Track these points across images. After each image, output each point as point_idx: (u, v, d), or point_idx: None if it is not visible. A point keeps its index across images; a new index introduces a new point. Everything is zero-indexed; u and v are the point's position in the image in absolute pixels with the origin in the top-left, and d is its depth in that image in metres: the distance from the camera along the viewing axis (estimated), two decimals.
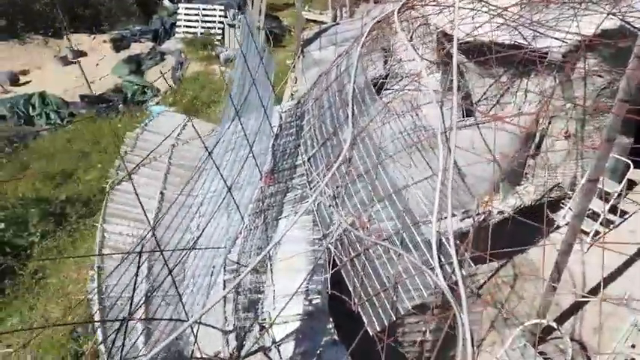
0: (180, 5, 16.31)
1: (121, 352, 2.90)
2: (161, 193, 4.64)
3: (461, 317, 3.32)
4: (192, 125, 5.04)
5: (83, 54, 15.39)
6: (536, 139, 5.30)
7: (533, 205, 5.26)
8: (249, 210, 4.58)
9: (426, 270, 3.54)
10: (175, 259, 4.14)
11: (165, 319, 3.47)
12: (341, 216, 4.04)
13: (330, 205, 4.21)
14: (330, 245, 4.08)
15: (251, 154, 4.44)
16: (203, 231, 4.08)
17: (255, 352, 4.73)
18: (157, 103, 12.93)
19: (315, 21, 15.72)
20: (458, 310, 3.33)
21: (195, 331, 3.72)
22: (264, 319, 4.54)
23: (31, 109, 12.15)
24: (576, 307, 4.46)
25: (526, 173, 5.60)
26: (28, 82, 14.12)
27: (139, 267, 3.09)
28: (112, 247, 4.11)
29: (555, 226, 5.15)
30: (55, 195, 9.03)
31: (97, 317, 3.67)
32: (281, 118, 5.57)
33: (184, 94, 12.90)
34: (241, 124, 4.25)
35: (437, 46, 6.95)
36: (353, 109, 4.57)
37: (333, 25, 8.79)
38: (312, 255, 4.08)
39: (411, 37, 7.59)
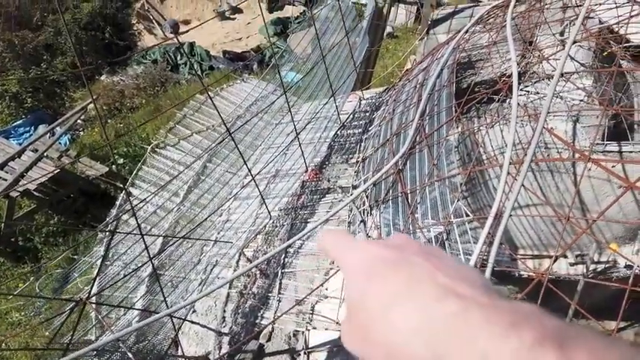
0: None
1: (72, 333, 2.63)
2: (205, 165, 4.33)
3: None
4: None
5: (240, 11, 16.05)
6: None
7: None
8: (281, 204, 4.02)
9: None
10: (192, 242, 3.80)
11: (136, 309, 3.16)
12: (366, 234, 3.27)
13: (361, 221, 3.44)
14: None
15: (298, 141, 3.83)
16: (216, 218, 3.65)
17: (283, 352, 4.31)
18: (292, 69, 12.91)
19: None
20: None
21: (176, 326, 3.35)
22: (305, 320, 4.07)
23: (179, 57, 13.07)
24: None
25: None
26: (186, 32, 15.24)
27: (108, 247, 2.78)
28: (130, 213, 3.94)
29: None
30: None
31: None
32: (359, 104, 4.82)
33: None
34: (286, 104, 3.64)
35: (596, 46, 5.47)
36: (425, 109, 3.63)
37: (473, 6, 7.52)
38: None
39: (562, 32, 6.13)
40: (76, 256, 5.81)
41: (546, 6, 5.50)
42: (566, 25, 5.99)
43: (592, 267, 4.09)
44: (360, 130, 4.45)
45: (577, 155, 3.68)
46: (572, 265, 4.12)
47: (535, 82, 5.84)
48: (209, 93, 4.42)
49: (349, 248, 0.56)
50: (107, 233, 3.58)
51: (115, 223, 3.72)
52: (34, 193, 7.82)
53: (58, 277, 6.80)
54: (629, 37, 4.34)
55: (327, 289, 3.50)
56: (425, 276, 0.46)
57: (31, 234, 8.04)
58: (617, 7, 4.67)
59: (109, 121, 10.71)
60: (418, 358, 0.42)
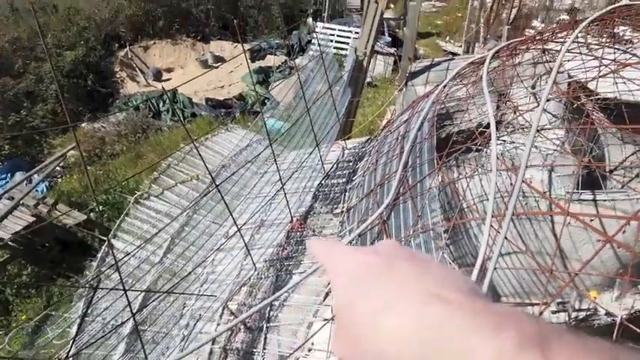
0: (318, 24, 16.55)
1: None
2: (189, 216, 4.31)
3: None
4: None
5: (222, 60, 16.41)
6: None
7: None
8: (266, 255, 4.00)
9: None
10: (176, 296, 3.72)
11: None
12: None
13: None
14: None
15: (284, 191, 3.87)
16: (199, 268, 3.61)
17: None
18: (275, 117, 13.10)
19: (452, 52, 14.80)
20: None
21: None
22: None
23: (161, 104, 13.17)
24: None
25: None
26: (169, 80, 15.45)
27: (89, 304, 2.70)
28: (110, 264, 3.86)
29: None
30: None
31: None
32: (342, 154, 4.92)
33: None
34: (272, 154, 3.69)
35: (566, 97, 5.75)
36: (407, 160, 3.73)
37: (449, 60, 7.87)
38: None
39: (534, 85, 6.43)
40: (53, 312, 5.60)
41: (518, 61, 5.78)
42: (537, 79, 6.30)
43: (574, 314, 4.12)
44: (344, 179, 4.53)
45: (555, 208, 3.78)
46: (554, 313, 4.16)
47: (511, 132, 6.06)
48: (195, 143, 4.46)
49: (338, 255, 0.56)
50: (88, 288, 3.49)
51: (96, 276, 3.63)
52: (9, 242, 7.59)
53: (30, 331, 6.52)
54: (596, 89, 4.57)
55: (312, 344, 3.44)
56: (412, 282, 0.47)
57: (2, 285, 7.73)
58: (584, 63, 4.94)
59: (88, 167, 10.60)
60: None
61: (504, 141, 5.72)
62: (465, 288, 0.46)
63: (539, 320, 0.41)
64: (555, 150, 4.87)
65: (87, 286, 3.62)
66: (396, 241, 0.59)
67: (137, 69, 15.44)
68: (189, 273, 3.69)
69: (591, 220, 3.05)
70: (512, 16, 9.41)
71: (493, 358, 0.37)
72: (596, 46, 4.82)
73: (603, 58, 4.65)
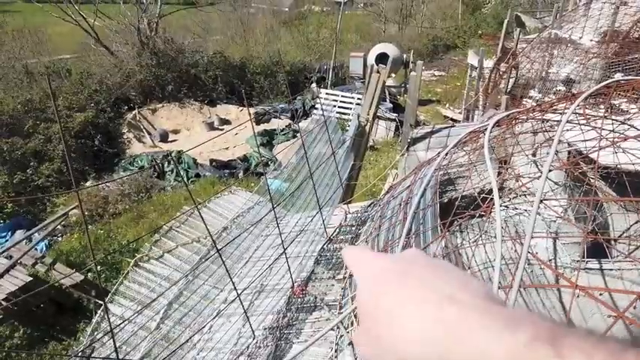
0: (322, 90, 17.11)
1: None
2: (188, 280, 4.23)
3: None
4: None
5: (228, 122, 16.81)
6: None
7: None
8: (266, 322, 3.88)
9: None
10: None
11: None
12: None
13: (349, 344, 3.32)
14: None
15: (285, 256, 3.82)
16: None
17: None
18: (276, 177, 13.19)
19: (452, 119, 15.18)
20: None
21: None
22: None
23: (166, 164, 13.35)
24: None
25: None
26: (175, 141, 15.76)
27: None
28: (105, 330, 3.75)
29: None
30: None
31: None
32: (345, 218, 4.91)
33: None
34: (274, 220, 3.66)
35: (566, 164, 5.83)
36: (411, 227, 3.71)
37: (448, 127, 8.06)
38: None
39: (534, 153, 6.54)
40: None
41: (518, 131, 5.89)
42: (537, 147, 6.39)
43: None
44: (346, 244, 4.49)
45: (563, 282, 3.71)
46: None
47: (513, 198, 6.05)
48: (197, 205, 4.46)
49: (364, 260, 0.61)
50: (80, 357, 3.36)
51: (89, 344, 3.51)
52: (2, 302, 7.41)
53: None
54: (597, 158, 4.63)
55: None
56: (428, 285, 0.49)
57: None
58: (583, 133, 5.02)
59: (89, 226, 10.56)
60: None
61: (507, 206, 5.71)
62: (480, 292, 0.48)
63: (552, 320, 0.43)
64: (559, 217, 4.84)
65: (79, 354, 3.49)
66: (419, 250, 0.62)
67: (144, 130, 15.79)
68: (187, 341, 3.57)
69: (600, 294, 2.99)
70: (509, 86, 9.72)
71: (506, 354, 0.39)
72: (595, 118, 4.92)
73: (602, 129, 4.74)
